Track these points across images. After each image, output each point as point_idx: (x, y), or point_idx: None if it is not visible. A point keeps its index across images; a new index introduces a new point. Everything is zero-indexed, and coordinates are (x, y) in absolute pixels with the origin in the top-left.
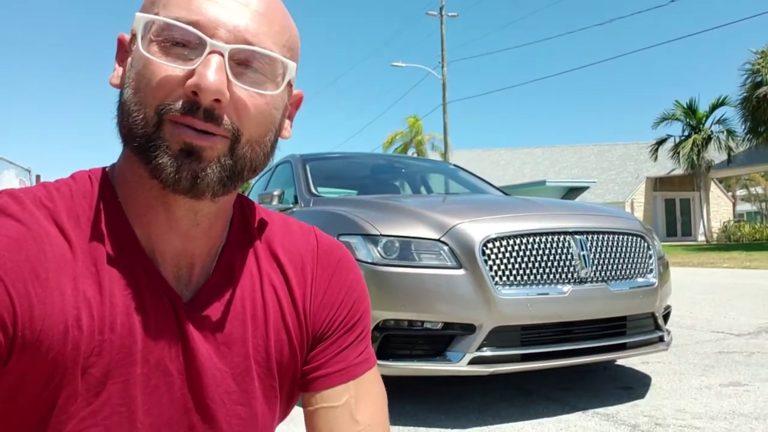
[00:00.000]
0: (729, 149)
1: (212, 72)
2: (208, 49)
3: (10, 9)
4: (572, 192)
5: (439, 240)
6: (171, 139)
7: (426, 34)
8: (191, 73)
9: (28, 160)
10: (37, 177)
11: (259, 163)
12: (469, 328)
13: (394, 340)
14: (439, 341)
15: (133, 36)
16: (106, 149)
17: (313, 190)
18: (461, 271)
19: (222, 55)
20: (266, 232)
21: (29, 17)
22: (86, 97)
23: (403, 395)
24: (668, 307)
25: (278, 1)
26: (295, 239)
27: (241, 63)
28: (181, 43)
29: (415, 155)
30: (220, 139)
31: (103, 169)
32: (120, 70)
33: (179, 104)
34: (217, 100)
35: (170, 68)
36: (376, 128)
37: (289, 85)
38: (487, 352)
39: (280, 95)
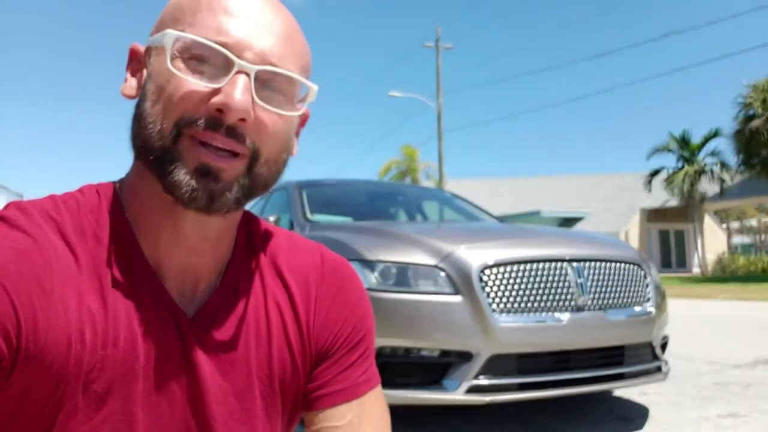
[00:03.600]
0: (721, 181)
1: (240, 92)
2: (235, 69)
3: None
4: (567, 222)
5: (436, 266)
6: (187, 156)
7: (422, 64)
8: (216, 91)
9: (20, 185)
10: None
11: (272, 181)
12: (466, 356)
13: (390, 368)
14: (435, 369)
15: (149, 49)
16: (103, 174)
17: (309, 217)
18: (458, 298)
19: (248, 75)
20: (271, 248)
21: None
22: (84, 120)
23: (396, 426)
24: (666, 336)
25: (297, 25)
26: (300, 256)
27: (264, 84)
28: (205, 61)
29: (406, 183)
30: (239, 160)
31: (112, 183)
32: (133, 80)
33: (201, 120)
34: (242, 119)
35: (195, 84)
36: (372, 156)
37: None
38: (484, 381)
39: (295, 115)
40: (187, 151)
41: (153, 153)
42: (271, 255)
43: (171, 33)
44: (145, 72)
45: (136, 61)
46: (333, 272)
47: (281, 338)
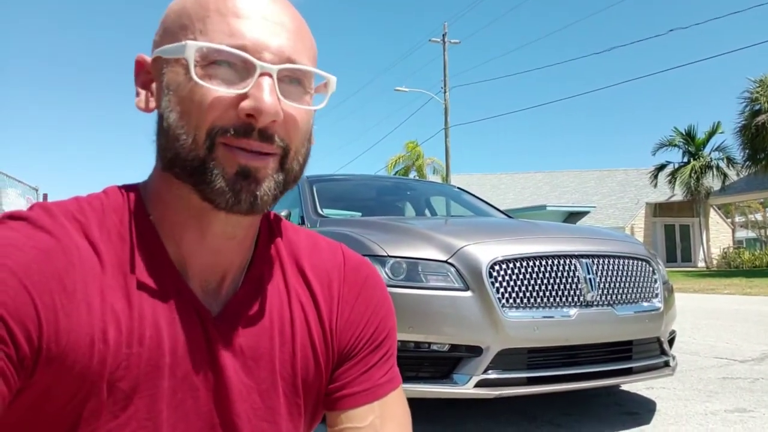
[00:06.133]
0: (724, 176)
1: (268, 94)
2: (258, 72)
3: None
4: (572, 216)
5: (446, 262)
6: (225, 161)
7: (429, 59)
8: (243, 96)
9: (36, 179)
10: (44, 196)
11: (300, 173)
12: (476, 351)
13: (401, 362)
14: (445, 363)
15: (158, 59)
16: (117, 168)
17: (320, 211)
18: (468, 293)
19: (271, 76)
20: (293, 247)
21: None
22: (96, 115)
23: None
24: (673, 331)
25: (302, 18)
26: (322, 256)
27: (284, 80)
28: (224, 66)
29: (416, 178)
30: (272, 158)
31: (136, 185)
32: (145, 93)
33: (232, 127)
34: (273, 121)
35: (220, 92)
36: (379, 151)
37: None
38: (493, 375)
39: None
40: (224, 156)
41: (188, 164)
42: (294, 254)
43: (192, 44)
44: (156, 84)
45: (145, 72)
46: (355, 272)
47: (305, 337)
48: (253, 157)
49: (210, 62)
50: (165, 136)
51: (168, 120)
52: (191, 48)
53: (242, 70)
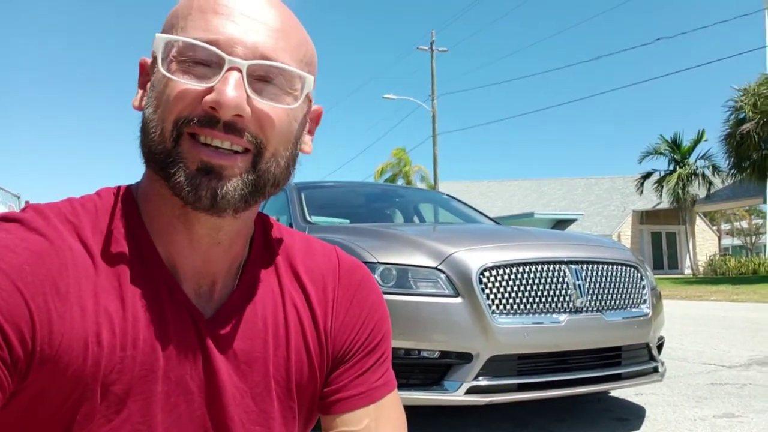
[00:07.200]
0: (709, 184)
1: (231, 88)
2: (226, 66)
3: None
4: (560, 224)
5: (436, 268)
6: (188, 156)
7: (417, 67)
8: (210, 90)
9: (17, 186)
10: (26, 203)
11: (281, 177)
12: (466, 357)
13: None
14: (435, 370)
15: (154, 58)
16: (103, 177)
17: (309, 218)
18: (458, 300)
19: (240, 71)
20: (288, 250)
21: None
22: (81, 121)
23: None
24: (662, 337)
25: (294, 17)
26: (316, 258)
27: (261, 79)
28: (201, 62)
29: (404, 185)
30: (241, 156)
31: (128, 186)
32: (141, 93)
33: (196, 117)
34: (238, 115)
35: (189, 85)
36: (366, 159)
37: (308, 99)
38: (483, 382)
39: (299, 108)
40: (188, 151)
41: (157, 157)
42: (288, 257)
43: (160, 37)
44: (150, 82)
45: (145, 74)
46: (350, 275)
47: (299, 341)
48: (218, 155)
49: (185, 58)
50: (142, 131)
51: (145, 114)
52: (159, 40)
53: (216, 66)
